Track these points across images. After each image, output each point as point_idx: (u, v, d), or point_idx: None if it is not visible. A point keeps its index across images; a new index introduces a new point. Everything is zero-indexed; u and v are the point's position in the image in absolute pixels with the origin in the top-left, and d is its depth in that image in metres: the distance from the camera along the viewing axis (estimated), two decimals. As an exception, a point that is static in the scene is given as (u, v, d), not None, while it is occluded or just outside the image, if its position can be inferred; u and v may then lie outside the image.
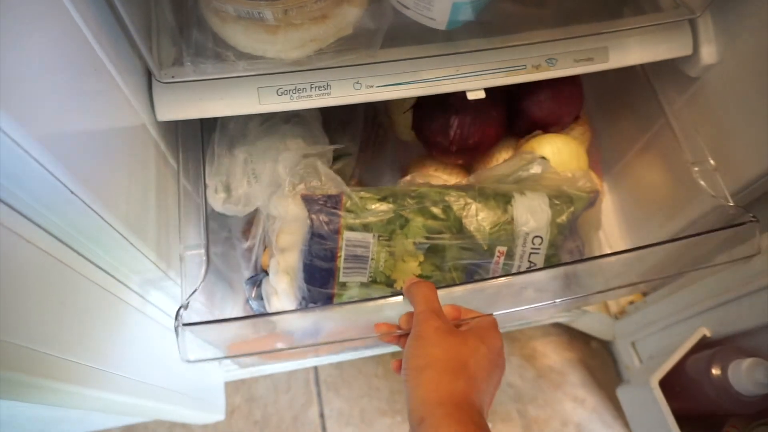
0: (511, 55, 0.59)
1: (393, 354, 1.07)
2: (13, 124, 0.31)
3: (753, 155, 0.61)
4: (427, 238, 0.57)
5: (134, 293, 0.55)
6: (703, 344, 0.67)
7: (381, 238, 0.57)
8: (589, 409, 1.05)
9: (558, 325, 1.10)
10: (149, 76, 0.55)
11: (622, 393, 0.85)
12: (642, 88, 0.72)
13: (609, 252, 0.58)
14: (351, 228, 0.57)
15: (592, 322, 0.99)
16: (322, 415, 1.04)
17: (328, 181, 0.58)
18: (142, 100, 0.54)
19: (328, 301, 0.57)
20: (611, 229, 0.86)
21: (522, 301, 0.62)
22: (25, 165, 0.34)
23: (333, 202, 0.57)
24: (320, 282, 0.57)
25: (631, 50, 0.61)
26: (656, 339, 0.79)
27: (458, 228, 0.58)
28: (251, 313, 0.64)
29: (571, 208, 0.60)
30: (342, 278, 0.56)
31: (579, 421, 1.04)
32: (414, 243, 0.57)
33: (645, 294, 0.86)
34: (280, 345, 0.60)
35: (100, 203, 0.43)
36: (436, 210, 0.58)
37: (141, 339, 0.58)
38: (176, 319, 0.48)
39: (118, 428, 0.96)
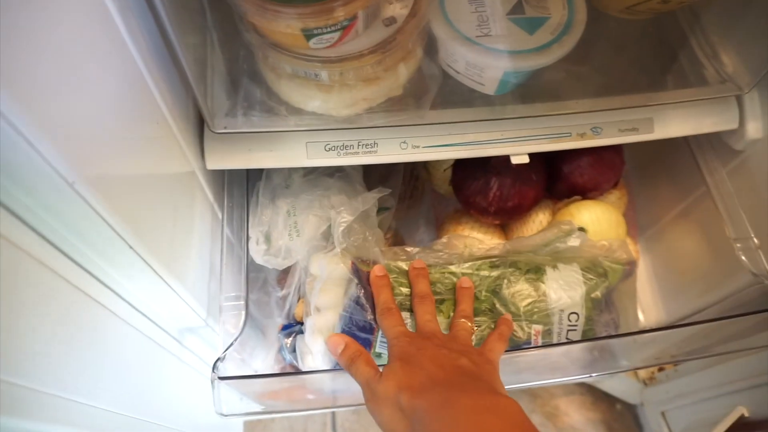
0: (557, 123, 0.59)
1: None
2: (65, 165, 0.32)
3: (798, 235, 0.60)
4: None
5: (170, 337, 0.55)
6: (740, 424, 0.64)
7: (411, 317, 0.57)
8: (611, 475, 1.02)
9: (582, 384, 1.08)
10: (201, 124, 0.56)
11: (650, 465, 0.83)
12: (683, 156, 0.72)
13: (645, 329, 0.57)
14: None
15: (618, 384, 0.96)
16: (336, 461, 1.02)
17: (376, 248, 0.58)
18: (193, 147, 0.55)
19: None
20: (644, 295, 0.85)
21: (554, 372, 0.61)
22: (74, 205, 0.34)
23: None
24: None
25: (676, 122, 0.61)
26: (689, 412, 0.77)
27: (492, 307, 0.58)
28: (283, 364, 0.63)
29: (606, 283, 0.59)
30: (378, 349, 0.56)
31: (600, 486, 1.01)
32: (448, 326, 0.57)
33: (676, 363, 0.84)
34: (310, 396, 0.59)
35: (142, 245, 0.43)
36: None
37: (172, 383, 0.58)
38: (213, 371, 0.48)
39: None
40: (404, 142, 0.58)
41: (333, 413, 1.05)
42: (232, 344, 0.51)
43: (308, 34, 0.46)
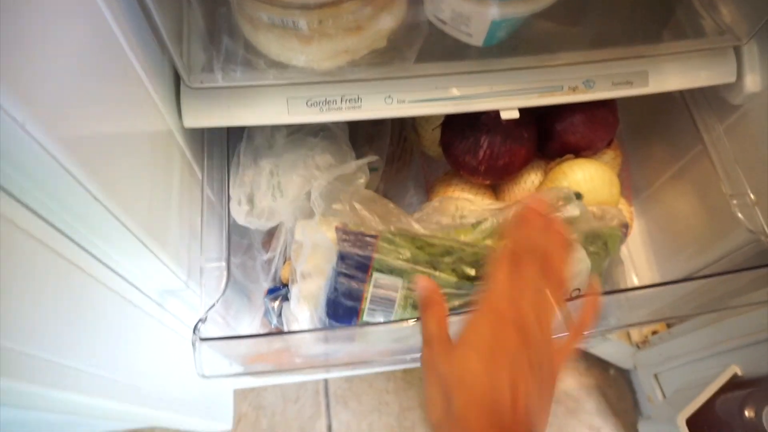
0: (548, 75, 0.57)
1: (404, 371, 1.05)
2: (36, 124, 0.30)
3: (796, 190, 0.58)
4: (456, 294, 0.55)
5: (151, 301, 0.54)
6: (733, 383, 0.64)
7: (409, 286, 0.55)
8: (604, 439, 1.02)
9: (575, 351, 1.07)
10: (178, 81, 0.54)
11: (643, 427, 0.83)
12: (679, 113, 0.70)
13: (638, 285, 0.56)
14: (381, 270, 0.55)
15: (611, 349, 0.96)
16: (329, 428, 1.02)
17: (363, 210, 0.56)
18: (169, 105, 0.53)
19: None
20: (639, 257, 0.84)
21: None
22: (45, 165, 0.33)
23: (367, 240, 0.56)
24: (342, 319, 0.55)
25: (672, 75, 0.59)
26: (682, 373, 0.76)
27: None
28: (269, 327, 0.62)
29: (608, 257, 0.57)
30: (365, 318, 0.55)
31: (593, 450, 1.01)
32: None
33: (669, 325, 0.83)
34: (297, 360, 0.58)
35: (120, 208, 0.41)
36: (468, 270, 0.56)
37: (154, 347, 0.56)
38: (194, 333, 0.47)
39: None
40: (389, 97, 0.55)
41: (326, 381, 1.05)
42: (213, 305, 0.50)
43: (283, -22, 0.44)
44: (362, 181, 0.59)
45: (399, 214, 0.59)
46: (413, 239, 0.56)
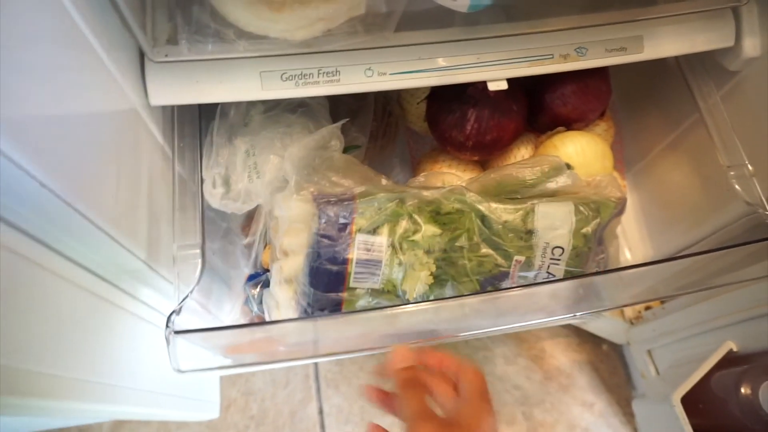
0: (537, 43, 0.54)
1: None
2: None
3: (796, 159, 0.56)
4: (441, 247, 0.53)
5: (124, 293, 0.51)
6: (728, 359, 0.62)
7: (393, 244, 0.52)
8: (597, 414, 1.01)
9: (568, 327, 1.06)
10: (143, 55, 0.50)
11: (637, 406, 0.82)
12: (674, 80, 0.67)
13: (631, 264, 0.53)
14: (364, 230, 0.52)
15: (604, 325, 0.95)
16: (321, 412, 1.00)
17: (341, 179, 0.53)
18: (133, 81, 0.49)
19: (335, 307, 0.53)
20: (632, 232, 0.82)
21: (537, 312, 0.57)
22: None
23: (346, 201, 0.53)
24: (328, 286, 0.53)
25: (668, 40, 0.56)
26: (675, 349, 0.75)
27: (471, 236, 0.54)
28: (250, 315, 0.60)
29: (598, 219, 0.55)
30: (352, 283, 0.52)
31: (586, 425, 1.01)
32: (426, 251, 0.53)
33: (663, 301, 0.82)
34: (282, 350, 0.56)
35: (78, 197, 0.38)
36: (450, 216, 0.53)
37: (131, 342, 0.54)
38: (167, 326, 0.44)
39: (109, 423, 0.93)
40: (369, 69, 0.52)
41: (315, 365, 1.03)
42: (187, 296, 0.47)
43: (248, -63, 0.40)
44: (337, 147, 0.56)
45: (378, 178, 0.57)
46: (393, 192, 0.53)
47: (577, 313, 0.52)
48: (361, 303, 0.53)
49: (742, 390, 0.58)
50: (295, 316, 0.54)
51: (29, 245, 0.37)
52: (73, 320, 0.43)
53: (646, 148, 0.79)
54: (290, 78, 0.51)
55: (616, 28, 0.55)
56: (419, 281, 0.52)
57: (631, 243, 0.81)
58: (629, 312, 0.89)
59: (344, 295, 0.54)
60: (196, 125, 0.57)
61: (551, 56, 0.55)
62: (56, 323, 0.41)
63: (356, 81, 0.52)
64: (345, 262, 0.52)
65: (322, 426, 0.99)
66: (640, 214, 0.83)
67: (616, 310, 0.91)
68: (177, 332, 0.45)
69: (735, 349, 0.63)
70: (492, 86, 0.55)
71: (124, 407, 0.50)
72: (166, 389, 0.61)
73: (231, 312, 0.61)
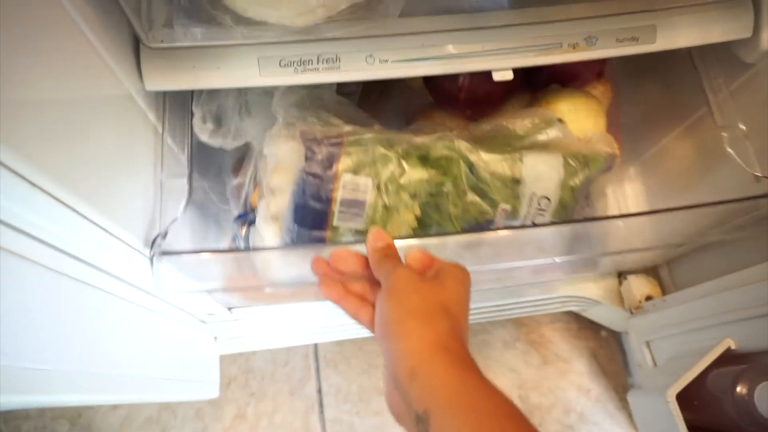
0: (545, 32, 0.52)
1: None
2: None
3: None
4: (427, 191, 0.54)
5: (109, 276, 0.50)
6: (726, 357, 0.62)
7: (378, 186, 0.53)
8: (593, 399, 1.02)
9: (568, 313, 1.06)
10: (137, 39, 0.49)
11: (633, 397, 0.82)
12: (684, 67, 0.65)
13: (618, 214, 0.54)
14: (350, 170, 0.52)
15: (604, 312, 0.94)
16: (319, 391, 1.02)
17: (330, 117, 0.53)
18: (127, 67, 0.47)
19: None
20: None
21: (517, 258, 0.59)
22: None
23: (334, 140, 0.53)
24: (312, 224, 0.53)
25: (682, 30, 0.54)
26: (674, 343, 0.74)
27: (457, 182, 0.54)
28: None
29: (586, 171, 0.55)
30: (336, 222, 0.52)
31: (582, 410, 1.01)
32: (411, 195, 0.53)
33: (664, 291, 0.81)
34: (267, 290, 0.57)
35: (63, 188, 0.37)
36: (438, 162, 0.53)
37: (124, 329, 0.54)
38: (152, 248, 0.44)
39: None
40: (371, 56, 0.50)
41: (315, 345, 1.03)
42: (175, 220, 0.47)
43: None
44: (328, 88, 0.56)
45: (369, 121, 0.57)
46: (381, 137, 0.54)
47: (557, 259, 0.53)
48: (343, 241, 0.55)
49: (738, 389, 0.57)
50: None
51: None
52: (58, 309, 0.43)
53: (654, 136, 0.77)
54: (289, 64, 0.50)
55: (628, 18, 0.53)
56: (403, 224, 0.53)
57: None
58: (629, 300, 0.88)
59: (327, 233, 0.55)
60: (187, 96, 0.56)
61: (560, 45, 0.53)
62: (43, 314, 0.41)
63: (357, 68, 0.51)
64: (329, 200, 0.53)
65: (321, 405, 1.00)
66: (646, 204, 0.82)
67: (615, 298, 0.90)
68: (163, 253, 0.45)
69: (734, 347, 0.63)
70: (497, 76, 0.53)
71: (122, 396, 0.50)
72: (166, 373, 0.61)
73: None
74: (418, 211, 0.55)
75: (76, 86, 0.41)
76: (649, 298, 0.85)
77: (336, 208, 0.53)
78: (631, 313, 0.85)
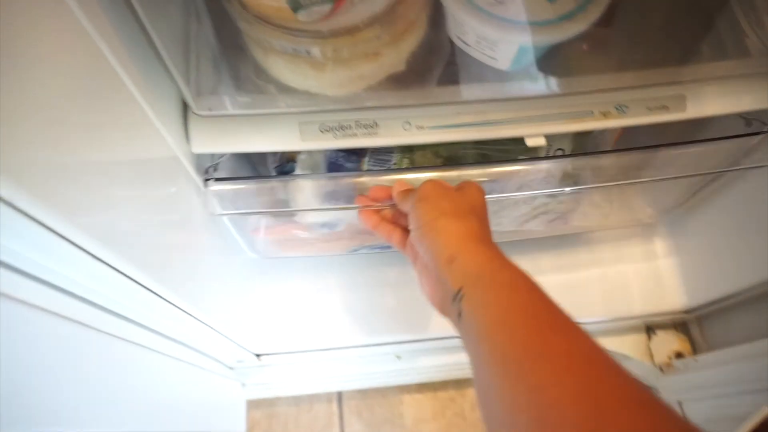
0: (577, 101, 0.53)
1: (419, 385, 1.03)
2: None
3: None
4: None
5: (138, 326, 0.51)
6: (765, 425, 0.60)
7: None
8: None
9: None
10: (185, 104, 0.51)
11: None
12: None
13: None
14: None
15: (634, 368, 0.92)
16: (342, 438, 1.01)
17: None
18: (175, 131, 0.50)
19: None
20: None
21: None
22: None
23: None
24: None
25: (712, 99, 0.55)
26: (709, 406, 0.73)
27: None
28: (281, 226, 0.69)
29: None
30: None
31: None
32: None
33: (696, 351, 0.80)
34: (302, 234, 0.69)
35: (105, 247, 0.38)
36: None
37: (149, 381, 0.55)
38: (206, 176, 0.53)
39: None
40: (408, 123, 0.52)
41: (339, 393, 1.03)
42: (224, 156, 0.55)
43: (295, 6, 0.41)
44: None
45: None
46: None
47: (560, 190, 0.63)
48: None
49: (778, 462, 0.56)
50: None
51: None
52: (80, 363, 0.44)
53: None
54: (328, 130, 0.52)
55: (658, 88, 0.54)
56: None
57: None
58: (659, 357, 0.87)
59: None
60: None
61: (591, 113, 0.54)
62: (65, 370, 0.42)
63: (394, 134, 0.52)
64: (359, 161, 0.65)
65: (343, 452, 1.00)
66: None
67: (645, 353, 0.89)
68: (217, 179, 0.55)
69: (772, 415, 0.61)
70: (530, 142, 0.54)
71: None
72: (192, 424, 0.62)
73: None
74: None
75: (131, 150, 0.43)
76: (679, 355, 0.83)
77: (365, 166, 0.62)
78: (662, 371, 0.84)
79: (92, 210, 0.36)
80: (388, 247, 0.63)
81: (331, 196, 0.61)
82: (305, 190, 0.60)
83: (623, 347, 0.88)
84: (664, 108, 0.55)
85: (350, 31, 0.43)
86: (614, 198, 0.73)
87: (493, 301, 0.37)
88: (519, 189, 0.61)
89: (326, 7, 0.41)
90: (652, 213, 0.79)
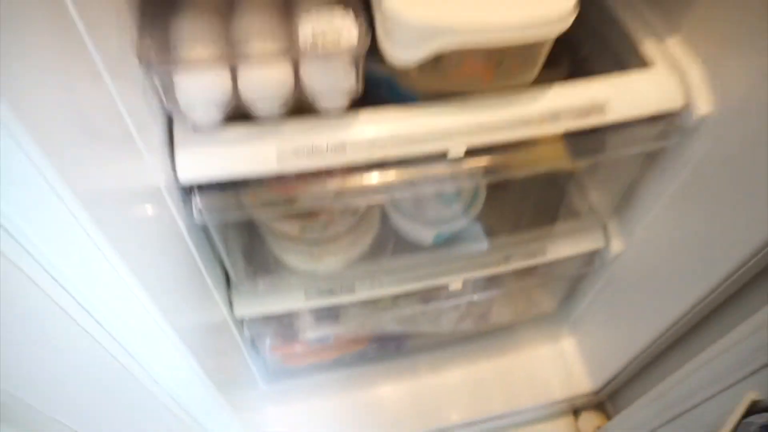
0: (484, 256, 0.84)
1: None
2: None
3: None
4: None
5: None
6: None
7: None
8: None
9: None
10: (228, 282, 0.79)
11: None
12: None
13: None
14: None
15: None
16: None
17: None
18: (221, 295, 0.77)
19: None
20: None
21: None
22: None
23: None
24: None
25: (563, 245, 0.87)
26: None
27: None
28: None
29: None
30: None
31: None
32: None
33: (609, 417, 1.05)
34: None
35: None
36: None
37: None
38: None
39: None
40: (377, 281, 0.82)
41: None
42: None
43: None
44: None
45: None
46: None
47: None
48: None
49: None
50: None
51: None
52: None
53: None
54: (320, 293, 0.80)
55: (529, 243, 0.86)
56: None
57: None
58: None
59: None
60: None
61: (494, 263, 0.85)
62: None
63: (366, 289, 0.81)
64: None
65: None
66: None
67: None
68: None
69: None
70: (452, 286, 0.84)
71: None
72: None
73: None
74: None
75: (203, 315, 0.70)
76: (599, 428, 1.08)
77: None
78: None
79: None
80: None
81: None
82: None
83: (557, 429, 1.12)
84: (533, 255, 0.86)
85: (333, 238, 0.73)
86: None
87: None
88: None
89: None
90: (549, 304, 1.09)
